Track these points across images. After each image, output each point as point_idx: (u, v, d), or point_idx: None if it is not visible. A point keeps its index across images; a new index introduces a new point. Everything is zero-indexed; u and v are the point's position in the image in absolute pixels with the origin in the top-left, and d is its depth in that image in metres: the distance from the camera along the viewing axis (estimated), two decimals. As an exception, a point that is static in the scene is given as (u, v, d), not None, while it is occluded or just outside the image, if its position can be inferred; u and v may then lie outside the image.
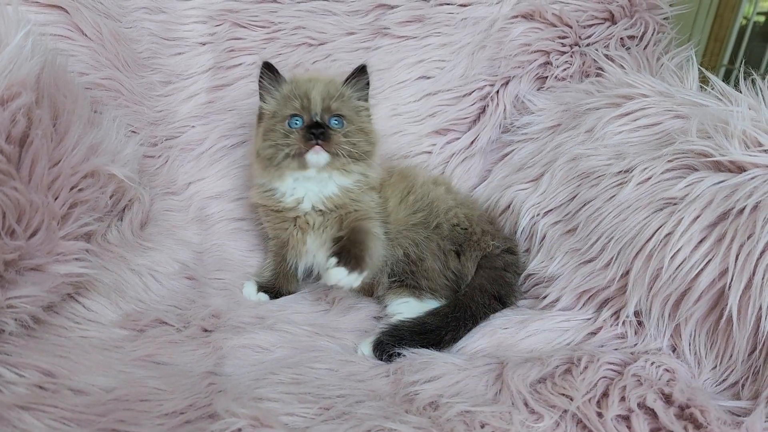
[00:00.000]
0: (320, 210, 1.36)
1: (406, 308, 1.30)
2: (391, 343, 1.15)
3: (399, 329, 1.19)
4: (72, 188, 1.18)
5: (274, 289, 1.43)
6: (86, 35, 1.52)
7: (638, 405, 0.92)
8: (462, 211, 1.41)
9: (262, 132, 1.34)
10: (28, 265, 1.05)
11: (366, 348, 1.18)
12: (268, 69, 1.37)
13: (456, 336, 1.20)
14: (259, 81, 1.38)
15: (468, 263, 1.35)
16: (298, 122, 1.31)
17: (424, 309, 1.26)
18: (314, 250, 1.39)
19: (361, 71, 1.38)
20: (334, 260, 1.16)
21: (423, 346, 1.14)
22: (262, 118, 1.39)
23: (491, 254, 1.36)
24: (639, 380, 0.98)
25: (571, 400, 0.94)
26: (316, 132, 1.27)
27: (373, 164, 1.39)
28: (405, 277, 1.35)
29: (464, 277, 1.35)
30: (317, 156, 1.27)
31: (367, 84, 1.41)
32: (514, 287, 1.35)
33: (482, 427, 0.89)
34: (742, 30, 3.06)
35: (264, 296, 1.41)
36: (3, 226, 1.00)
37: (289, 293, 1.44)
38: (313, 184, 1.35)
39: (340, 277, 1.15)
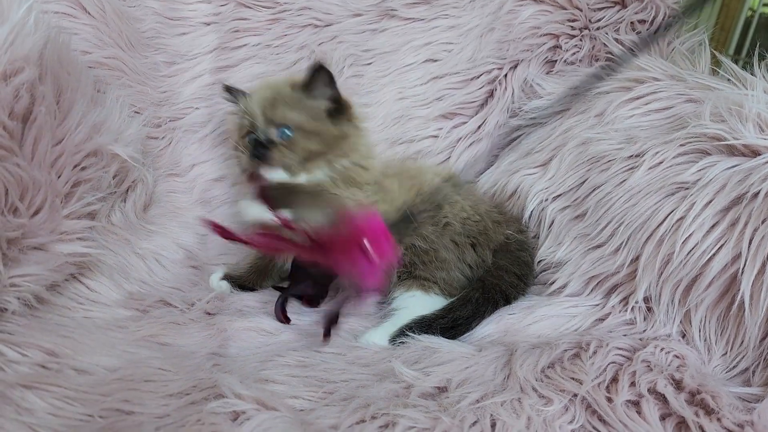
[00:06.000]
0: None
1: (413, 302, 1.24)
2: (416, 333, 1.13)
3: (427, 325, 1.16)
4: (75, 167, 1.16)
5: (243, 283, 1.35)
6: (89, 13, 1.50)
7: (648, 390, 0.91)
8: (468, 202, 1.38)
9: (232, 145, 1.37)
10: (31, 244, 1.04)
11: (380, 339, 1.15)
12: (226, 90, 1.39)
13: (479, 313, 1.20)
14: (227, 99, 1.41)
15: (485, 252, 1.32)
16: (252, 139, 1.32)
17: (431, 303, 1.22)
18: None
19: (317, 71, 1.31)
20: None
21: (450, 338, 1.13)
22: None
23: (504, 240, 1.34)
24: (649, 366, 0.97)
25: (581, 383, 0.93)
26: (257, 153, 1.28)
27: (342, 161, 1.35)
28: (415, 268, 1.29)
29: (481, 267, 1.32)
30: (270, 173, 1.29)
31: (331, 80, 1.33)
32: (531, 266, 1.34)
33: (491, 413, 0.88)
34: (748, 21, 3.03)
35: (225, 285, 1.33)
36: (5, 203, 0.99)
37: (253, 290, 1.36)
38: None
39: None
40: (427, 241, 1.29)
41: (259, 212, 1.29)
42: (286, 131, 1.30)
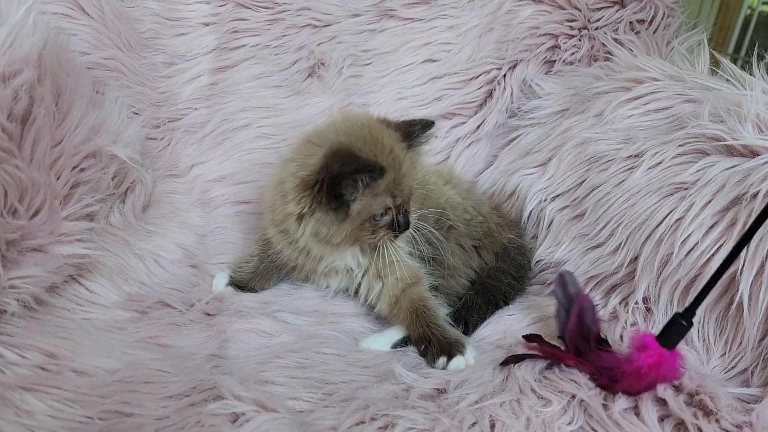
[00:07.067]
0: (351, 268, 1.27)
1: None
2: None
3: None
4: (74, 168, 1.16)
5: (245, 286, 1.33)
6: (88, 14, 1.51)
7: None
8: (470, 203, 1.38)
9: (347, 232, 1.11)
10: (30, 246, 1.04)
11: (382, 346, 1.14)
12: (379, 171, 1.07)
13: (483, 317, 1.21)
14: (350, 180, 1.06)
15: (489, 256, 1.33)
16: (384, 216, 1.13)
17: None
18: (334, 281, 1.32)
19: (425, 127, 1.20)
20: (443, 360, 1.06)
21: None
22: (334, 213, 1.10)
23: (506, 244, 1.36)
24: (648, 366, 0.97)
25: (579, 385, 0.93)
26: (405, 225, 1.14)
27: None
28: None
29: (484, 271, 1.32)
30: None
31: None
32: (527, 268, 1.35)
33: (490, 414, 0.88)
34: (747, 19, 3.03)
35: (231, 291, 1.31)
36: (5, 205, 0.99)
37: (255, 291, 1.34)
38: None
39: (459, 364, 1.06)
40: (434, 247, 1.28)
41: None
42: None
